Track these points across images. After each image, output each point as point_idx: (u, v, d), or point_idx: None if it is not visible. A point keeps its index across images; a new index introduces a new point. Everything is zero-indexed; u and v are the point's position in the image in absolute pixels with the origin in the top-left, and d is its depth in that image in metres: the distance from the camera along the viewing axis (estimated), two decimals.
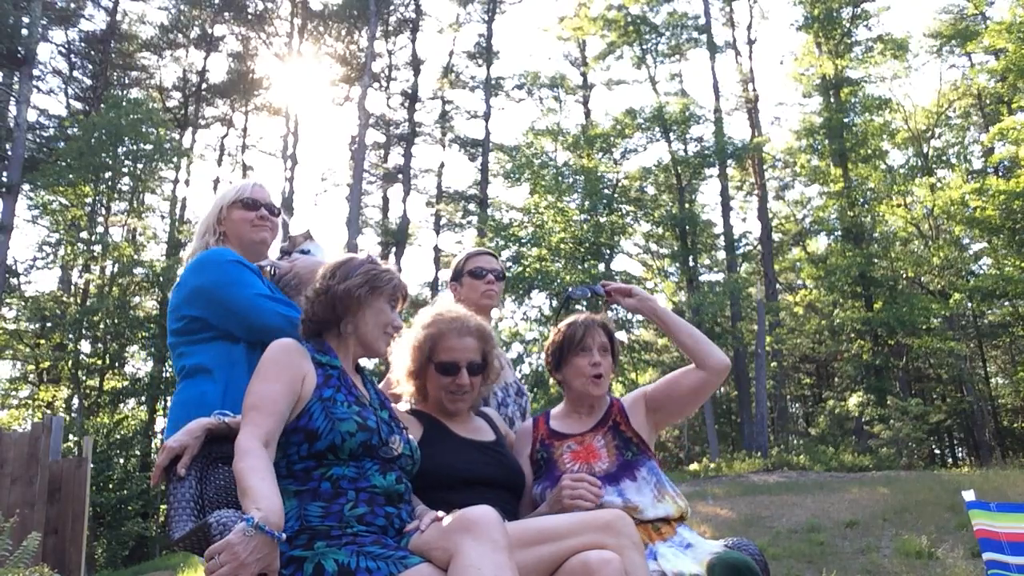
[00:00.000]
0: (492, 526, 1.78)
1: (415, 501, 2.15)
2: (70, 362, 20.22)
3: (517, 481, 2.41)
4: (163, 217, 25.67)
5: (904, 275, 24.92)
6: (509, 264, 21.61)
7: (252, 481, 1.78)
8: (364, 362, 2.38)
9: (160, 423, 24.17)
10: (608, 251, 24.82)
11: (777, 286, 28.23)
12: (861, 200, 25.05)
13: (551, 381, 18.98)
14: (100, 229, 22.74)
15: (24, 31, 23.17)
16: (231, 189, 2.73)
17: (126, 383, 22.10)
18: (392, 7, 30.94)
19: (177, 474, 2.02)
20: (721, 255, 28.39)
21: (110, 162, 21.92)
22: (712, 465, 17.75)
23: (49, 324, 21.79)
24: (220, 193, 2.75)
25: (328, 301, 2.16)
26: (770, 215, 27.37)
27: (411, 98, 31.53)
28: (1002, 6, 28.00)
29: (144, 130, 21.76)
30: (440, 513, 1.92)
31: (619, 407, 2.57)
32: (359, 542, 1.83)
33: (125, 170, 22.92)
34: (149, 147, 22.28)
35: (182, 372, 2.50)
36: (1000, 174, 23.37)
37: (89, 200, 22.59)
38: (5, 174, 22.10)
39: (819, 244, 28.09)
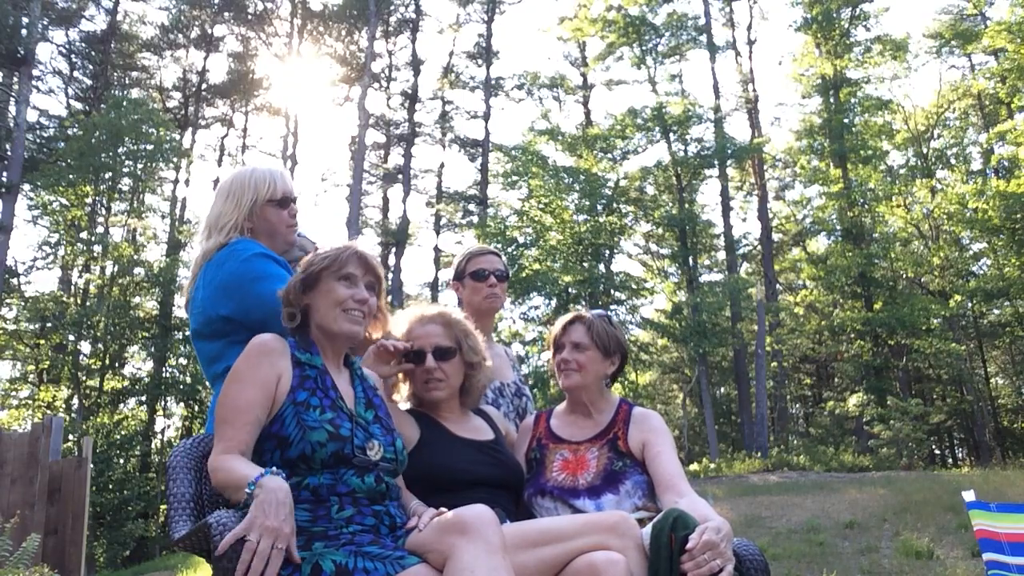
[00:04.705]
0: (486, 527, 1.75)
1: (408, 497, 2.12)
2: (70, 362, 20.21)
3: (516, 480, 2.39)
4: (163, 217, 25.64)
5: (904, 275, 24.92)
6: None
7: (236, 472, 1.79)
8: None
9: (160, 423, 24.21)
10: (608, 251, 24.82)
11: (777, 286, 28.23)
12: (861, 200, 25.03)
13: (552, 381, 19.02)
14: (100, 229, 22.74)
15: (23, 31, 23.18)
16: (261, 184, 2.55)
17: (126, 383, 22.10)
18: (392, 7, 30.91)
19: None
20: (721, 255, 28.41)
21: (110, 162, 21.90)
22: (712, 465, 17.75)
23: (49, 324, 21.76)
24: (242, 186, 2.55)
25: (287, 301, 2.13)
26: (770, 215, 27.37)
27: (411, 98, 31.52)
28: (1002, 6, 28.02)
29: (144, 130, 21.76)
30: (442, 509, 1.91)
31: (626, 416, 2.51)
32: (357, 542, 1.81)
33: (125, 170, 22.91)
34: (149, 147, 22.28)
35: (222, 375, 2.30)
36: (1000, 175, 23.39)
37: (89, 200, 22.58)
38: (5, 174, 22.10)
39: (819, 244, 28.07)
